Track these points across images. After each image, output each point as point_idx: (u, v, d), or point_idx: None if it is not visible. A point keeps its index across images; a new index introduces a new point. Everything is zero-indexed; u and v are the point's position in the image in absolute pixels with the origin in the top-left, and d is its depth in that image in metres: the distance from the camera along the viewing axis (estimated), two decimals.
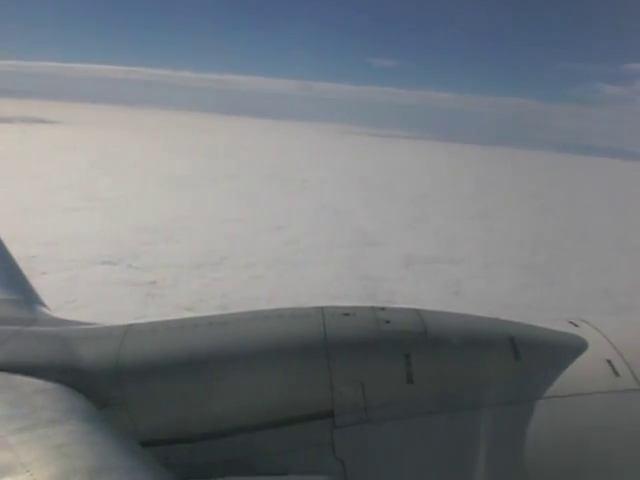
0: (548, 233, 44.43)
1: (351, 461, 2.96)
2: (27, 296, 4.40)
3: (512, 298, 25.74)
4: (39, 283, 4.87)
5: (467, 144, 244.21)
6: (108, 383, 2.98)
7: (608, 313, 23.82)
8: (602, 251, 39.30)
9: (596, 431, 3.02)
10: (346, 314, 3.29)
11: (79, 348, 3.15)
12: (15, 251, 5.52)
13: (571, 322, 3.61)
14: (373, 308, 3.38)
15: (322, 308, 3.34)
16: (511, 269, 31.59)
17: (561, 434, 3.01)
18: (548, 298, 26.21)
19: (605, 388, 3.12)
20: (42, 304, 4.32)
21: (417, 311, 3.37)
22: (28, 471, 2.13)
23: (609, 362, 3.22)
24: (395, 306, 3.51)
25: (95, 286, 22.78)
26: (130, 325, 3.32)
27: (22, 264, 5.26)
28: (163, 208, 39.38)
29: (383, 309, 3.37)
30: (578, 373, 3.21)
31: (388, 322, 3.23)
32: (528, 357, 3.22)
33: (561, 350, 3.33)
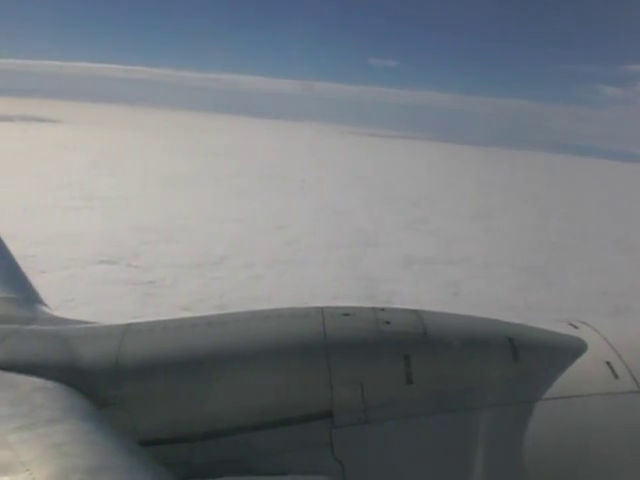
0: (547, 234, 44.44)
1: (350, 461, 2.96)
2: (27, 295, 4.40)
3: (511, 299, 25.75)
4: (38, 282, 4.86)
5: (466, 145, 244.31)
6: (107, 382, 2.98)
7: (607, 315, 23.85)
8: (601, 252, 39.33)
9: (595, 433, 3.02)
10: (346, 314, 3.29)
11: (78, 347, 3.15)
12: (14, 250, 5.51)
13: (570, 324, 3.61)
14: (373, 309, 3.38)
15: (322, 308, 3.34)
16: (510, 270, 31.61)
17: (560, 436, 3.01)
18: (547, 299, 26.22)
19: (604, 390, 3.12)
20: (42, 303, 4.32)
21: (417, 312, 3.37)
22: (27, 470, 2.13)
23: (608, 364, 3.22)
24: (395, 307, 3.51)
25: (94, 285, 22.80)
26: (129, 324, 3.32)
27: (21, 263, 5.25)
28: (163, 207, 39.39)
29: (383, 310, 3.37)
30: (577, 375, 3.21)
31: (388, 323, 3.23)
32: (527, 358, 3.22)
33: (560, 352, 3.33)
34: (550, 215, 56.07)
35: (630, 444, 3.00)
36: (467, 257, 33.85)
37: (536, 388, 3.15)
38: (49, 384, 2.87)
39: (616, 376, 3.16)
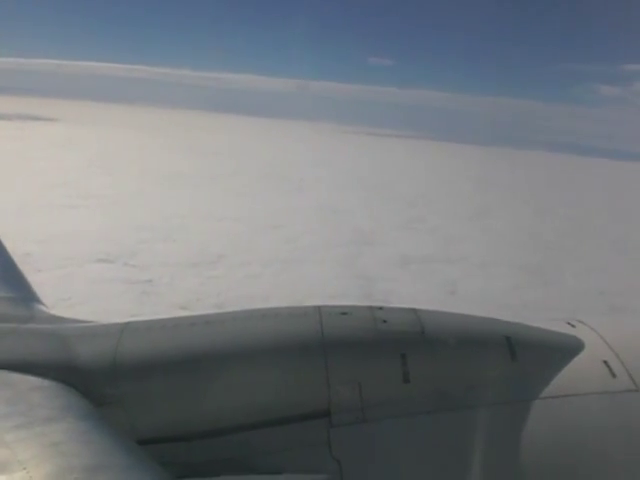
0: (544, 233, 44.52)
1: (347, 460, 2.96)
2: (24, 293, 4.39)
3: (508, 298, 25.80)
4: (34, 280, 4.86)
5: (464, 144, 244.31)
6: (105, 381, 2.98)
7: (604, 314, 23.88)
8: (598, 251, 39.38)
9: (592, 432, 3.02)
10: (343, 313, 3.29)
11: (76, 346, 3.14)
12: (10, 248, 5.51)
13: (568, 322, 3.61)
14: (370, 307, 3.38)
15: (319, 307, 3.33)
16: (507, 269, 31.65)
17: (557, 434, 3.01)
18: (544, 298, 26.27)
19: (601, 389, 3.12)
20: (39, 302, 4.31)
21: (414, 311, 3.37)
22: (25, 468, 2.13)
23: (606, 363, 3.22)
24: (392, 306, 3.51)
25: (91, 284, 22.79)
26: (127, 323, 3.31)
27: (17, 261, 5.25)
28: (160, 206, 39.36)
29: (380, 308, 3.37)
30: (574, 373, 3.21)
31: (385, 321, 3.23)
32: (524, 357, 3.22)
33: (558, 350, 3.33)
34: (548, 214, 56.13)
35: (627, 442, 3.00)
36: (464, 256, 33.89)
37: (533, 387, 3.15)
38: (46, 383, 2.87)
39: (613, 375, 3.16)
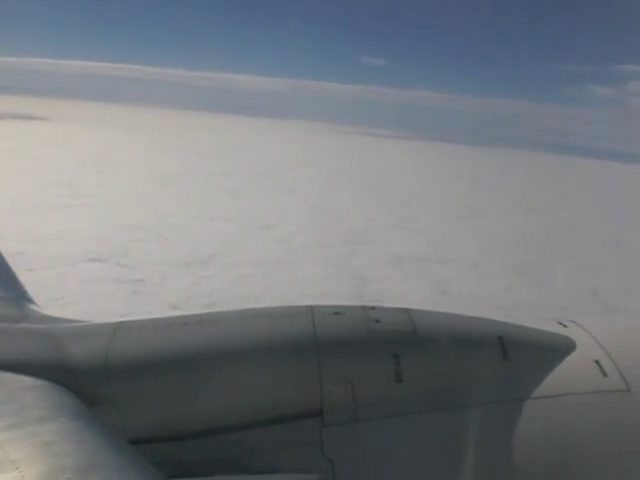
0: (537, 233, 44.65)
1: (340, 460, 2.96)
2: (16, 293, 4.38)
3: (500, 298, 25.88)
4: (26, 280, 4.84)
5: (458, 144, 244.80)
6: (97, 381, 2.97)
7: (596, 314, 23.98)
8: (590, 251, 39.52)
9: (584, 431, 3.03)
10: (336, 313, 3.29)
11: (68, 345, 3.13)
12: (2, 247, 5.49)
13: (560, 322, 3.62)
14: (363, 307, 3.38)
15: (312, 307, 3.33)
16: (500, 269, 31.74)
17: (549, 434, 3.02)
18: (536, 298, 26.35)
19: (593, 388, 3.14)
20: (31, 301, 4.30)
21: (407, 310, 3.37)
22: (17, 468, 2.13)
23: (597, 362, 3.24)
24: (385, 305, 3.51)
25: (83, 283, 22.74)
26: (119, 323, 3.30)
27: (9, 261, 5.24)
28: (152, 206, 39.28)
29: (373, 308, 3.37)
30: (566, 373, 3.22)
31: (378, 321, 3.23)
32: (517, 357, 3.23)
33: (549, 350, 3.34)
34: (540, 214, 56.30)
35: (618, 442, 3.01)
36: (457, 256, 33.96)
37: (525, 386, 3.16)
38: (39, 382, 2.86)
39: (605, 374, 3.18)
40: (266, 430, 3.02)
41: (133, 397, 3.00)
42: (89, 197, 39.97)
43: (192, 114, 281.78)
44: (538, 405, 3.10)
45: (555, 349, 3.35)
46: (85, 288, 22.16)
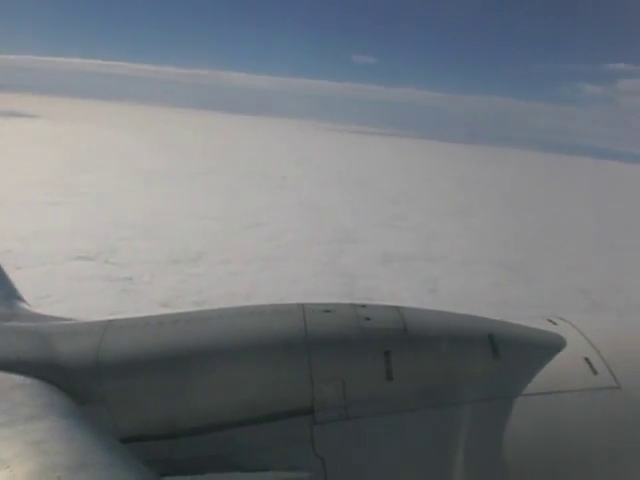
0: (527, 231, 44.78)
1: (331, 457, 2.96)
2: (6, 291, 4.35)
3: (490, 296, 25.94)
4: (14, 278, 4.82)
5: (448, 142, 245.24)
6: (88, 379, 2.96)
7: (585, 311, 24.09)
8: (579, 249, 39.67)
9: (574, 428, 3.05)
10: (327, 311, 3.29)
11: (58, 344, 3.12)
12: None
13: (549, 320, 3.64)
14: (354, 305, 3.38)
15: (303, 305, 3.34)
16: (489, 267, 31.85)
17: (539, 431, 3.04)
18: (526, 296, 26.45)
19: (583, 386, 3.16)
20: (21, 299, 4.28)
21: (397, 308, 3.38)
22: (7, 467, 2.12)
23: (587, 360, 3.26)
24: (375, 303, 3.52)
25: (71, 281, 22.64)
26: (110, 321, 3.29)
27: None
28: (142, 204, 39.14)
29: (364, 306, 3.38)
30: (556, 371, 3.24)
31: (368, 319, 3.24)
32: (507, 354, 3.24)
33: (539, 348, 3.36)
34: (530, 212, 56.46)
35: (608, 439, 3.03)
36: (446, 254, 34.04)
37: (515, 384, 3.17)
38: (28, 381, 2.85)
39: (594, 372, 3.20)
40: (257, 428, 3.02)
41: (124, 395, 2.99)
42: (78, 195, 39.78)
43: (181, 112, 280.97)
44: (528, 402, 3.12)
45: (545, 347, 3.37)
46: (74, 286, 22.06)
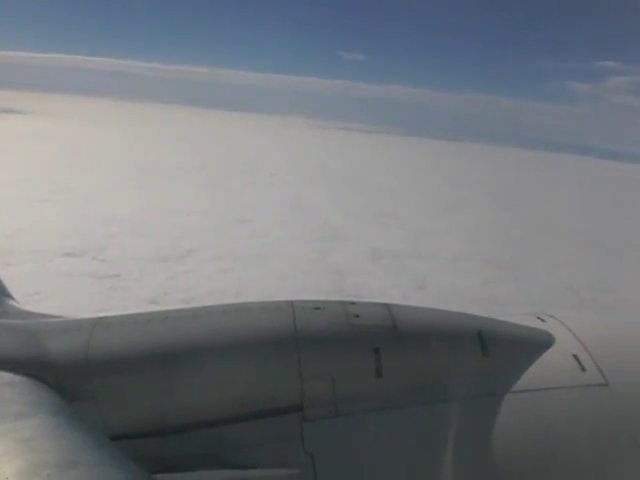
0: (516, 229, 44.92)
1: (320, 454, 2.96)
2: None
3: (479, 293, 26.03)
4: (1, 275, 4.79)
5: (436, 139, 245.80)
6: (77, 376, 2.94)
7: (573, 308, 24.23)
8: (568, 247, 39.88)
9: (562, 425, 3.07)
10: (316, 308, 3.29)
11: (47, 341, 3.10)
12: None
13: (538, 317, 3.66)
14: (343, 302, 3.38)
15: (292, 302, 3.33)
16: (478, 264, 31.95)
17: (528, 428, 3.05)
18: (514, 293, 26.56)
19: (571, 383, 3.17)
20: (10, 297, 4.25)
21: (387, 305, 3.38)
22: None
23: (575, 357, 3.27)
24: (365, 300, 3.52)
25: (59, 278, 22.54)
26: (99, 318, 3.28)
27: None
28: (130, 200, 39.02)
29: (353, 303, 3.38)
30: (545, 368, 3.26)
31: (358, 316, 3.24)
32: (496, 351, 3.25)
33: (528, 345, 3.37)
34: (519, 210, 56.69)
35: (596, 437, 3.05)
36: (435, 251, 34.12)
37: (504, 381, 3.18)
38: (17, 379, 2.83)
39: (583, 369, 3.21)
40: (247, 425, 3.02)
41: (113, 393, 2.98)
42: (65, 191, 39.55)
43: (170, 108, 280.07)
44: (517, 400, 3.13)
45: (534, 344, 3.38)
46: (61, 283, 21.96)
